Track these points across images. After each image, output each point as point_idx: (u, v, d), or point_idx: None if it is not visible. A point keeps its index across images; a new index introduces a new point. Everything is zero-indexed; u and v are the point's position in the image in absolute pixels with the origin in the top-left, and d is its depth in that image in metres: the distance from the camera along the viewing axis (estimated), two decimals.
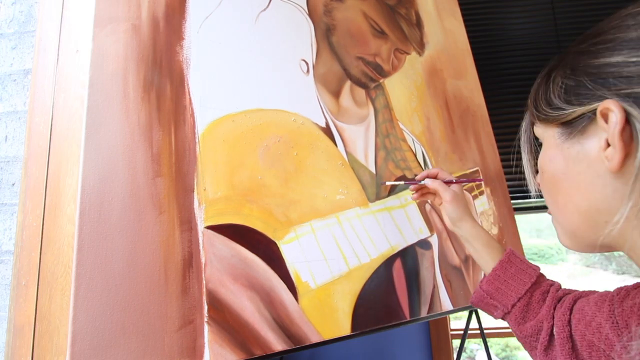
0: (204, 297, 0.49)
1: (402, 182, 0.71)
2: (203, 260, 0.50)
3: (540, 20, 1.40)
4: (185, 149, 0.54)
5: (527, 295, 0.50)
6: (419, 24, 0.94)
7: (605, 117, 0.30)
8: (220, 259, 0.52)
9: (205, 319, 0.48)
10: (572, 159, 0.34)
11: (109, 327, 0.43)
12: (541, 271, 0.53)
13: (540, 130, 0.38)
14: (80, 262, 0.43)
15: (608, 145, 0.30)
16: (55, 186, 0.59)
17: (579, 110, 0.32)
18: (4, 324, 0.60)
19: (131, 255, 0.46)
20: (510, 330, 1.19)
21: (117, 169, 0.48)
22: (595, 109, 0.30)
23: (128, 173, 0.49)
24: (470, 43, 1.04)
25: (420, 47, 0.92)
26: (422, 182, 0.64)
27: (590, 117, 0.31)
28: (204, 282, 0.50)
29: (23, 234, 0.57)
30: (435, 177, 0.65)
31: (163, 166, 0.51)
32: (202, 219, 0.52)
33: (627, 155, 0.29)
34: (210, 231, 0.52)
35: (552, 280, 0.53)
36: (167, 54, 0.56)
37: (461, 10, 1.06)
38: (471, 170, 0.89)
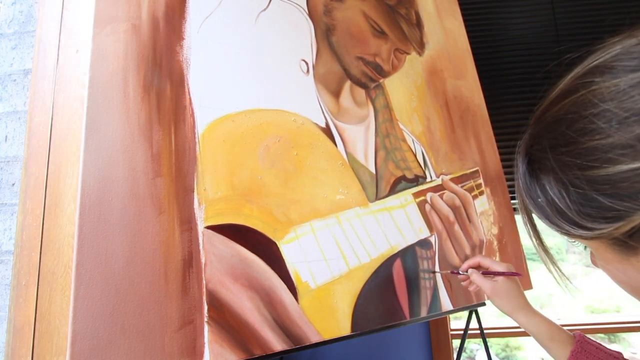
0: (204, 297, 0.49)
1: (448, 272, 0.73)
2: (203, 260, 0.50)
3: (540, 20, 1.40)
4: (185, 149, 0.54)
5: None
6: (419, 24, 0.94)
7: None
8: (220, 259, 0.52)
9: (205, 319, 0.48)
10: None
11: (109, 327, 0.43)
12: (625, 356, 0.47)
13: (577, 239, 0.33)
14: (80, 262, 0.43)
15: None
16: (55, 186, 0.59)
17: (622, 226, 0.27)
18: (4, 324, 0.60)
19: (131, 255, 0.46)
20: (510, 330, 1.19)
21: (117, 169, 0.48)
22: None
23: (128, 173, 0.49)
24: (470, 43, 1.04)
25: (420, 47, 0.92)
26: (465, 274, 0.64)
27: None
28: (204, 282, 0.50)
29: (23, 234, 0.57)
30: (477, 267, 0.63)
31: (163, 166, 0.51)
32: (202, 219, 0.52)
33: None
34: (210, 231, 0.52)
35: None
36: (167, 54, 0.56)
37: (461, 10, 1.06)
38: (471, 170, 0.89)
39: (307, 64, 0.71)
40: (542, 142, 0.31)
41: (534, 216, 0.35)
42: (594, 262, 0.35)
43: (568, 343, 0.51)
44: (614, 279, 0.33)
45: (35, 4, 0.73)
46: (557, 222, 0.31)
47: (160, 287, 0.47)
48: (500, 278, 0.58)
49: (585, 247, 0.34)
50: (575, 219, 0.29)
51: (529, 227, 0.37)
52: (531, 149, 0.33)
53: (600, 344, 0.49)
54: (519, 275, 0.59)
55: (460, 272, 0.65)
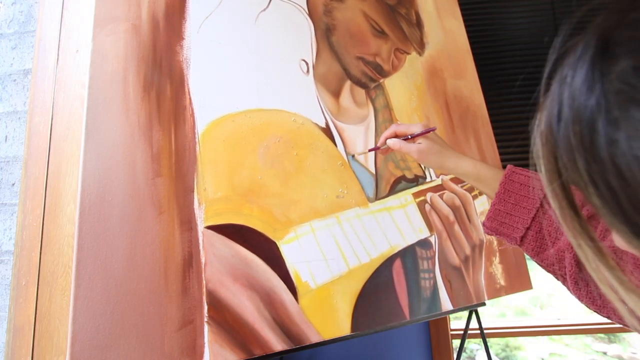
0: (204, 297, 0.49)
1: (367, 151, 0.70)
2: (203, 260, 0.50)
3: (540, 20, 1.40)
4: (185, 149, 0.54)
5: (536, 223, 0.44)
6: (419, 24, 0.94)
7: None
8: (220, 259, 0.52)
9: (205, 319, 0.48)
10: None
11: (109, 327, 0.43)
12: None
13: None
14: (80, 262, 0.43)
15: None
16: (55, 186, 0.59)
17: None
18: (4, 324, 0.60)
19: (131, 255, 0.46)
20: (510, 330, 1.19)
21: (117, 169, 0.48)
22: None
23: (128, 173, 0.49)
24: (470, 43, 1.03)
25: (420, 47, 0.92)
26: (385, 147, 0.62)
27: None
28: (204, 282, 0.50)
29: (23, 234, 0.57)
30: (394, 136, 0.61)
31: (163, 166, 0.51)
32: (202, 219, 0.52)
33: None
34: (210, 231, 0.52)
35: None
36: (167, 54, 0.56)
37: (461, 10, 1.06)
38: None
39: (307, 63, 0.71)
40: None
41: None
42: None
43: (496, 181, 0.49)
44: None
45: (35, 4, 0.73)
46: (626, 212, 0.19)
47: (160, 287, 0.47)
48: (420, 138, 0.58)
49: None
50: None
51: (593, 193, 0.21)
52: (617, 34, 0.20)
53: (528, 180, 0.46)
54: (434, 130, 0.58)
55: (380, 147, 0.63)
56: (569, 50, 0.22)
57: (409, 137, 0.59)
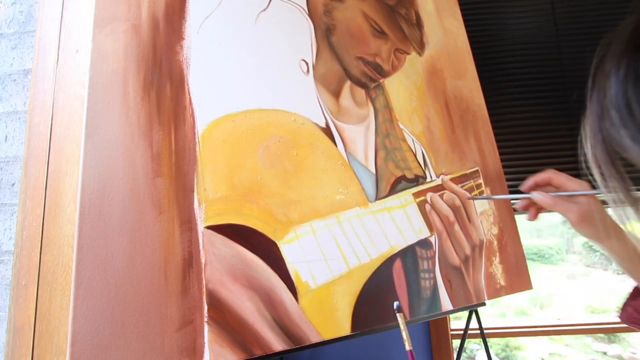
0: (204, 297, 0.49)
1: (495, 197, 0.54)
2: (203, 260, 0.50)
3: (540, 20, 1.40)
4: (185, 149, 0.54)
5: None
6: (419, 24, 0.94)
7: None
8: (220, 259, 0.52)
9: (205, 319, 0.48)
10: None
11: (109, 327, 0.43)
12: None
13: None
14: (80, 262, 0.43)
15: None
16: (55, 186, 0.59)
17: None
18: (4, 324, 0.60)
19: (131, 255, 0.46)
20: (510, 330, 1.19)
21: (117, 169, 0.48)
22: None
23: (128, 173, 0.49)
24: (470, 43, 1.03)
25: (420, 47, 0.92)
26: (528, 195, 0.49)
27: None
28: (204, 282, 0.50)
29: (23, 234, 0.57)
30: (546, 184, 0.48)
31: (163, 166, 0.51)
32: (202, 219, 0.52)
33: None
34: (210, 231, 0.52)
35: None
36: (167, 54, 0.56)
37: (461, 10, 1.06)
38: (471, 170, 0.89)
39: (307, 64, 0.71)
40: None
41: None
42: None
43: None
44: None
45: (35, 4, 0.73)
46: None
47: (160, 287, 0.47)
48: (580, 198, 0.45)
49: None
50: None
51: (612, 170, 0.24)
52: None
53: None
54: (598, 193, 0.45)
55: (522, 195, 0.50)
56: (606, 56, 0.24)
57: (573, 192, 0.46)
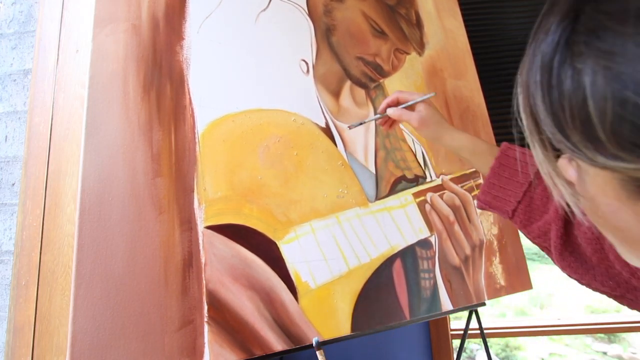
0: (204, 297, 0.49)
1: (365, 121, 0.68)
2: (203, 260, 0.50)
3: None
4: (185, 149, 0.54)
5: (527, 197, 0.46)
6: (419, 24, 0.94)
7: None
8: (220, 259, 0.52)
9: (205, 319, 0.48)
10: None
11: (109, 327, 0.43)
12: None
13: (574, 163, 0.25)
14: (80, 262, 0.43)
15: None
16: (55, 186, 0.59)
17: None
18: (4, 324, 0.60)
19: (131, 255, 0.46)
20: (510, 330, 1.19)
21: (117, 169, 0.48)
22: None
23: (128, 173, 0.49)
24: (470, 43, 1.03)
25: (420, 47, 0.92)
26: (384, 115, 0.61)
27: None
28: (204, 282, 0.50)
29: (23, 234, 0.57)
30: (396, 104, 0.60)
31: (163, 166, 0.51)
32: (202, 219, 0.52)
33: None
34: (210, 231, 0.52)
35: None
36: (167, 54, 0.56)
37: (461, 10, 1.06)
38: (471, 170, 0.89)
39: (307, 64, 0.71)
40: (608, 5, 0.20)
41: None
42: (575, 191, 0.26)
43: (491, 155, 0.51)
44: (593, 214, 0.27)
45: (35, 4, 0.73)
46: (570, 134, 0.21)
47: (160, 287, 0.47)
48: (421, 106, 0.57)
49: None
50: (601, 138, 0.20)
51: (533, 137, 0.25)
52: (582, 8, 0.22)
53: (524, 151, 0.48)
54: (434, 95, 0.59)
55: (379, 115, 0.62)
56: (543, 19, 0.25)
57: (414, 101, 0.58)
